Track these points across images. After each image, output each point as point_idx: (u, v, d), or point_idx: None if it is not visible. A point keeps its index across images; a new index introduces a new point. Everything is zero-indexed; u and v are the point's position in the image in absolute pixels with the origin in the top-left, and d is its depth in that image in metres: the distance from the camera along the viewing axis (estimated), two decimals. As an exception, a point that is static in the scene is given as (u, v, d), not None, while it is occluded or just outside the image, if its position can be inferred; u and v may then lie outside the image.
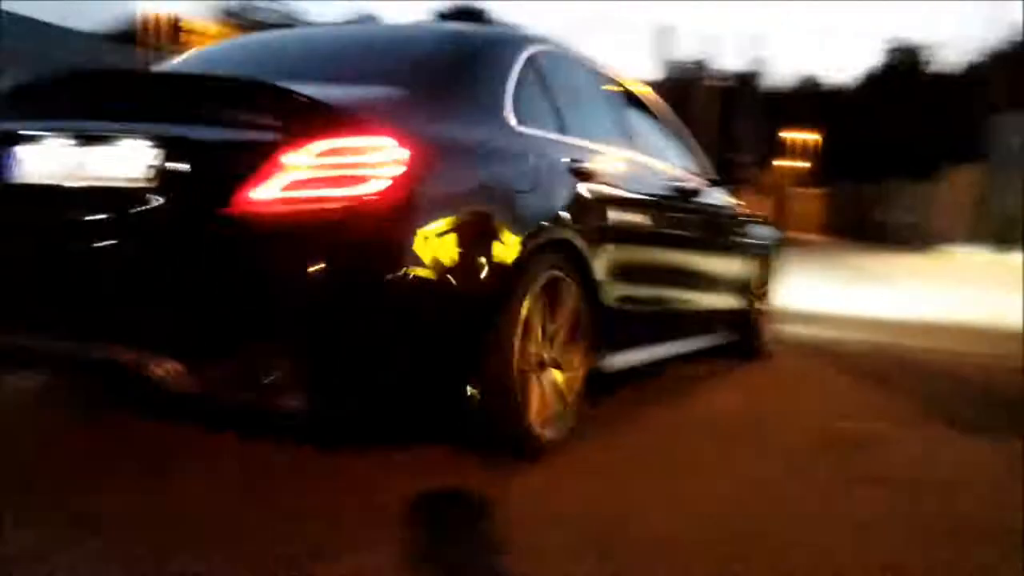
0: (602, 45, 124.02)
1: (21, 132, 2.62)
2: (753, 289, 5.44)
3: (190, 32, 39.01)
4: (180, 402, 2.65)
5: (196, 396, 2.51)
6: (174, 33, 43.03)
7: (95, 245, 2.49)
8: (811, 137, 53.39)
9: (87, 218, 2.52)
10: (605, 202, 3.43)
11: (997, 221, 20.90)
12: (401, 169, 2.40)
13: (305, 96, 2.42)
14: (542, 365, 3.00)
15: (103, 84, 2.79)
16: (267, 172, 2.31)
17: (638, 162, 4.03)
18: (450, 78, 3.04)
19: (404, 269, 2.43)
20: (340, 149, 2.37)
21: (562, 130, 3.42)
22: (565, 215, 3.11)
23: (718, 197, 4.98)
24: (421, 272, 2.46)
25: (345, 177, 2.35)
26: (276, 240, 2.34)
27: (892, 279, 14.00)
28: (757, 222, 5.69)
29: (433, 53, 3.30)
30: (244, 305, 2.39)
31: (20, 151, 2.59)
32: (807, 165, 49.82)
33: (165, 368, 2.36)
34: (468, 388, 2.71)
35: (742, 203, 5.45)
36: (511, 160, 2.98)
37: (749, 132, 33.30)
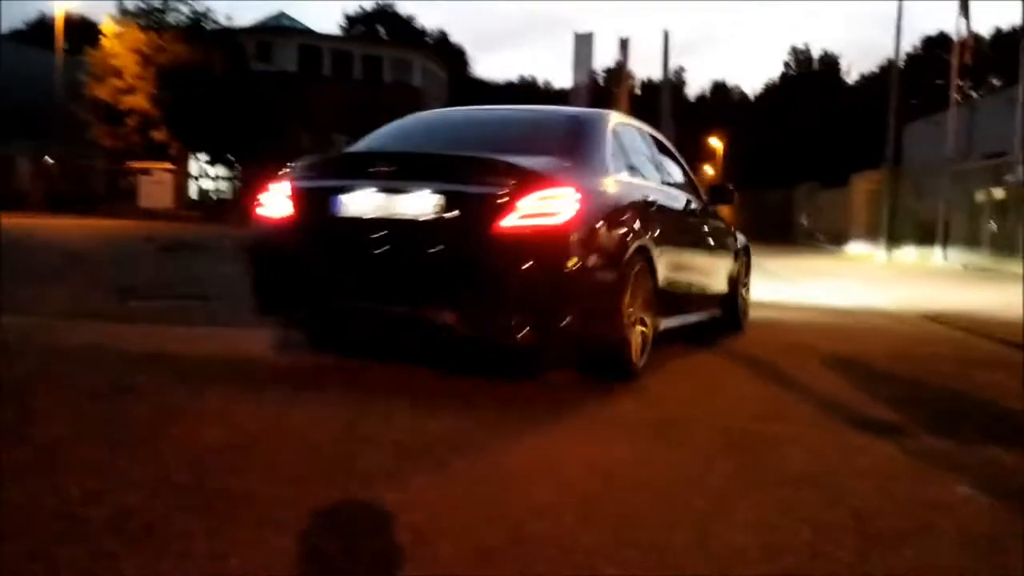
0: (528, 49, 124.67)
1: (347, 186, 4.52)
2: (739, 280, 7.36)
3: (100, 34, 37.79)
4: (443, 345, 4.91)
5: (465, 336, 4.36)
6: (84, 35, 41.64)
7: (399, 250, 4.33)
8: (722, 143, 54.53)
9: (392, 235, 4.34)
10: (658, 220, 5.26)
11: (904, 224, 21.69)
12: (577, 207, 4.25)
13: (526, 167, 4.32)
14: (635, 323, 4.81)
15: (395, 159, 4.68)
16: (510, 210, 4.16)
17: (670, 192, 6.02)
18: (578, 146, 4.99)
19: (579, 262, 4.26)
20: (547, 196, 4.22)
21: (632, 174, 5.33)
22: (644, 230, 4.92)
23: (712, 212, 6.90)
24: (587, 263, 4.30)
25: (550, 212, 4.20)
26: (515, 247, 4.16)
27: (794, 280, 14.40)
28: (735, 231, 7.62)
29: (561, 130, 5.41)
30: (495, 282, 4.20)
31: (345, 198, 4.50)
32: (720, 171, 50.79)
33: (450, 318, 4.26)
34: (606, 333, 4.54)
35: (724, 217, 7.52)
36: (616, 197, 4.83)
37: (668, 138, 33.84)
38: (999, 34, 62.97)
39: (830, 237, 29.23)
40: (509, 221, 4.16)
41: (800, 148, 60.35)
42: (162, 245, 16.08)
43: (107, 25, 37.16)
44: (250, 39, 42.41)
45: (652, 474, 3.24)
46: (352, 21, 73.76)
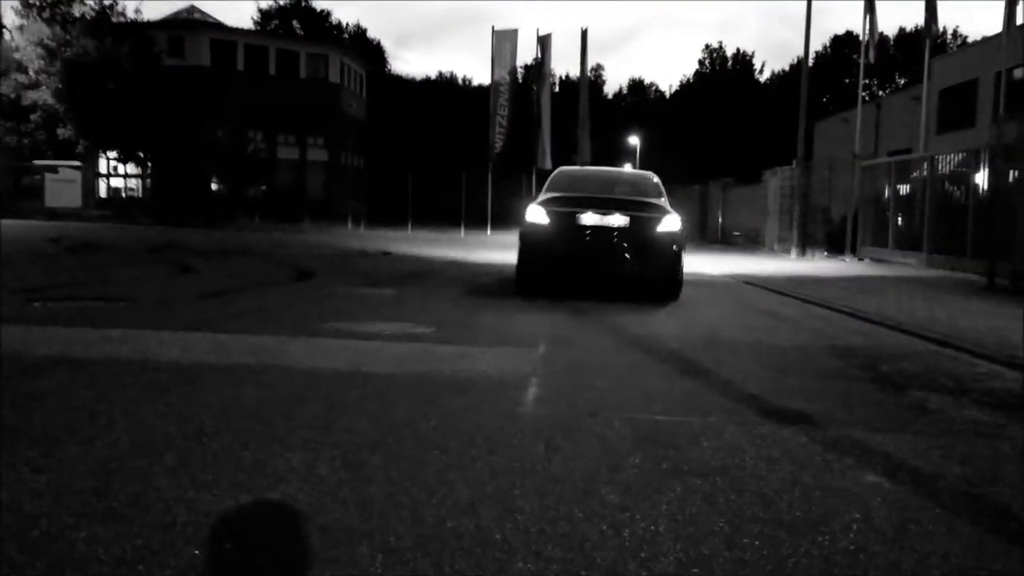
0: (448, 46, 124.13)
1: (581, 209, 9.67)
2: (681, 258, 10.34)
3: (1, 26, 36.25)
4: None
5: (638, 280, 10.19)
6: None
7: (613, 243, 9.54)
8: (640, 140, 55.27)
9: (610, 235, 9.55)
10: (674, 225, 9.79)
11: (815, 220, 22.29)
12: (680, 223, 9.80)
13: (662, 206, 10.00)
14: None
15: (603, 201, 9.90)
16: (659, 224, 9.60)
17: (669, 207, 10.19)
18: (661, 194, 10.69)
19: (681, 249, 9.84)
20: (672, 219, 9.70)
21: (665, 202, 10.41)
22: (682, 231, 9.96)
23: (675, 211, 10.12)
24: (684, 250, 10.01)
25: (674, 227, 9.76)
26: (663, 242, 9.61)
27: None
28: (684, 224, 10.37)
29: (651, 184, 11.06)
30: (655, 256, 9.63)
31: (582, 215, 9.63)
32: (637, 168, 51.48)
33: (633, 271, 9.82)
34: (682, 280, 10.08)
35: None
36: (677, 214, 9.88)
37: (585, 136, 34.06)
38: (903, 34, 65.35)
39: (746, 234, 29.91)
40: (660, 229, 9.60)
41: (715, 145, 61.61)
42: (69, 245, 15.52)
43: (9, 17, 35.71)
44: (160, 33, 41.26)
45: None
46: (266, 16, 72.29)
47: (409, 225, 36.86)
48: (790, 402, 4.59)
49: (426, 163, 57.32)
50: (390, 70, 75.41)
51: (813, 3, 22.02)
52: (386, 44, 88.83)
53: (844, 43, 67.46)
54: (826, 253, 21.16)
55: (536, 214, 9.63)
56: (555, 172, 11.51)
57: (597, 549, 2.47)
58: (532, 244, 9.71)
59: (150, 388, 4.33)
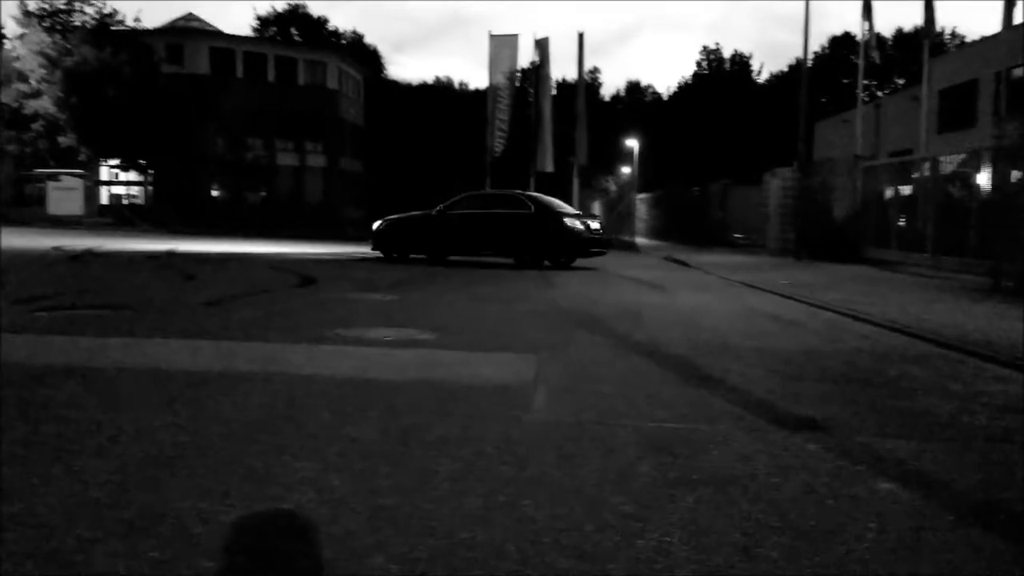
0: (444, 51, 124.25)
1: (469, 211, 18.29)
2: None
3: (1, 36, 36.29)
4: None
5: (511, 257, 17.90)
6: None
7: (497, 230, 17.81)
8: (638, 143, 55.27)
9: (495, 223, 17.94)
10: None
11: (815, 222, 22.26)
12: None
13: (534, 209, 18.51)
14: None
15: (483, 198, 19.55)
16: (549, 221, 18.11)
17: (591, 214, 24.37)
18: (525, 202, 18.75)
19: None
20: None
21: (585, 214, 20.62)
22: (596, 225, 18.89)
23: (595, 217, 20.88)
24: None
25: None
26: (563, 227, 17.67)
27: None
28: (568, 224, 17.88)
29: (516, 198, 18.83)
30: (534, 241, 17.55)
31: (464, 214, 18.19)
32: (636, 171, 51.44)
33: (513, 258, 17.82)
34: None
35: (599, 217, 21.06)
36: (585, 216, 19.64)
37: (582, 138, 34.08)
38: (901, 34, 65.44)
39: (747, 236, 29.89)
40: (545, 222, 17.72)
41: (714, 147, 61.67)
42: (71, 254, 15.52)
43: (10, 27, 35.78)
44: (159, 40, 41.31)
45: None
46: (264, 23, 72.42)
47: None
48: (799, 408, 4.57)
49: (424, 168, 57.39)
50: (387, 75, 75.53)
51: (811, 5, 22.04)
52: (382, 49, 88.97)
53: (842, 44, 67.56)
54: (827, 255, 21.14)
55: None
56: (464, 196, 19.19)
57: (611, 560, 2.46)
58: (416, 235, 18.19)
59: (157, 396, 4.32)
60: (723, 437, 3.88)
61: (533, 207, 17.67)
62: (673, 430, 3.99)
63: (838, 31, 75.23)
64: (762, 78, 73.38)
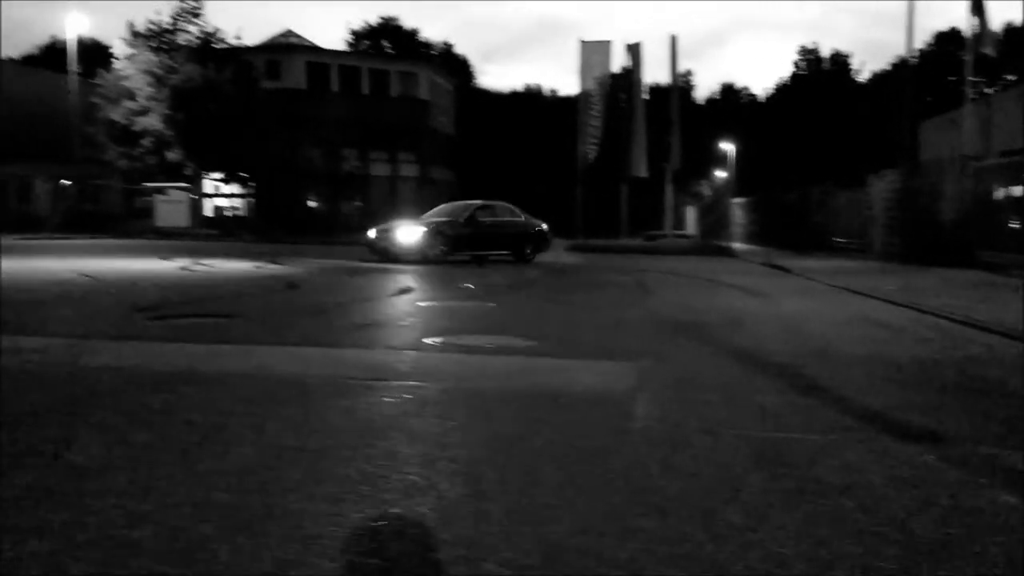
0: (534, 58, 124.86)
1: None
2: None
3: (112, 56, 38.10)
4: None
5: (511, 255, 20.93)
6: (96, 57, 41.93)
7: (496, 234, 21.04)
8: (733, 146, 54.34)
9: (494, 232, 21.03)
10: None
11: (923, 226, 21.48)
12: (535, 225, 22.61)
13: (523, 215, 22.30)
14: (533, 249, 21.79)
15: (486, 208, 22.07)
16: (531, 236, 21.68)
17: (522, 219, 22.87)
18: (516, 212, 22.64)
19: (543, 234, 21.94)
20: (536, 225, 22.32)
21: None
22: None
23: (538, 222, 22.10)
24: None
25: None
26: (533, 233, 21.57)
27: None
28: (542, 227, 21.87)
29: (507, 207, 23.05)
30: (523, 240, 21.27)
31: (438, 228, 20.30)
32: (732, 174, 50.62)
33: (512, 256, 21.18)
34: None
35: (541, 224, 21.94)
36: (524, 224, 21.92)
37: (676, 143, 33.76)
38: (1010, 29, 62.64)
39: (850, 240, 28.96)
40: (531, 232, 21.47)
41: (813, 149, 60.18)
42: (181, 264, 16.16)
43: (119, 47, 37.55)
44: (259, 57, 42.67)
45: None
46: (358, 36, 74.10)
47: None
48: (913, 418, 4.42)
49: (514, 176, 57.69)
50: (477, 84, 76.28)
51: (915, 1, 21.32)
52: (473, 59, 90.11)
53: (948, 40, 65.06)
54: (935, 259, 20.36)
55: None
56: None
57: (724, 572, 2.43)
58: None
59: (270, 402, 4.46)
60: (835, 447, 3.78)
61: (523, 216, 21.76)
62: (782, 440, 3.91)
63: (943, 27, 72.40)
64: (862, 77, 71.33)
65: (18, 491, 2.97)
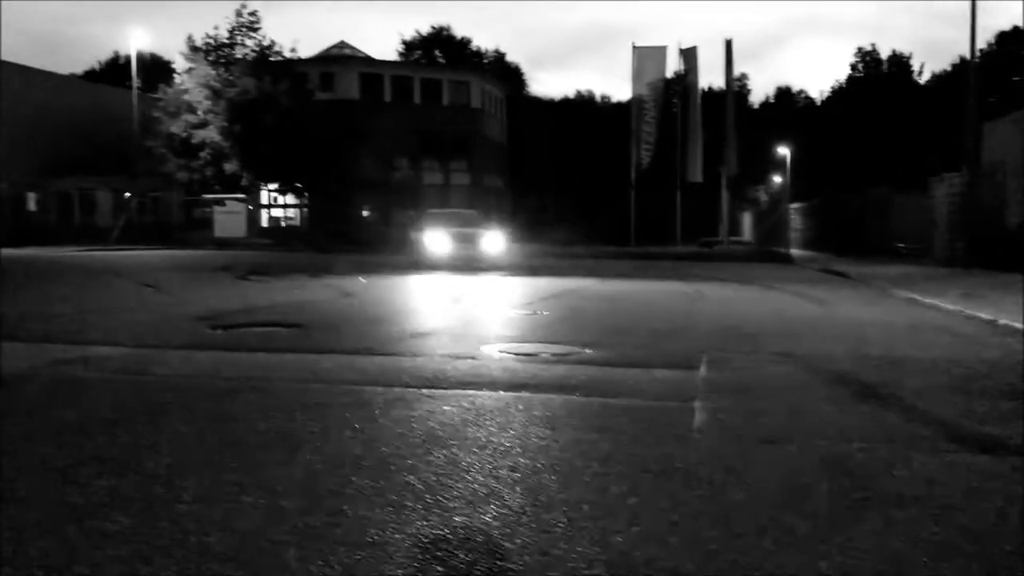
0: (583, 65, 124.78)
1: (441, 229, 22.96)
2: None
3: (172, 71, 39.02)
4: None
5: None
6: (157, 72, 42.98)
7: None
8: (790, 150, 53.51)
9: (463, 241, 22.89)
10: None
11: (989, 231, 20.94)
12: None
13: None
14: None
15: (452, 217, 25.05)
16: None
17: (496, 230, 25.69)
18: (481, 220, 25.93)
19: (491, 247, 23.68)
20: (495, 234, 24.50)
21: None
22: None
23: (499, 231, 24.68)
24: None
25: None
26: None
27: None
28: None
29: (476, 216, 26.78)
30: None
31: (438, 233, 22.80)
32: (787, 179, 49.87)
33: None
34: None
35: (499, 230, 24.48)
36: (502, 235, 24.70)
37: (731, 147, 33.42)
38: (1076, 26, 60.77)
39: (911, 245, 28.33)
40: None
41: (872, 152, 59.04)
42: (239, 274, 16.46)
43: (179, 62, 38.44)
44: (313, 69, 43.28)
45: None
46: (410, 46, 74.75)
47: (554, 244, 37.00)
48: (982, 427, 4.32)
49: (566, 182, 57.64)
50: (528, 92, 76.40)
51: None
52: (524, 67, 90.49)
53: (1012, 39, 63.38)
54: (1001, 264, 19.82)
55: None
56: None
57: (795, 581, 2.40)
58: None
59: (331, 410, 4.52)
60: (902, 457, 3.71)
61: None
62: (847, 449, 3.85)
63: (1006, 26, 70.56)
64: (923, 79, 69.75)
65: (95, 497, 3.05)
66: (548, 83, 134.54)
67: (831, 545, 2.66)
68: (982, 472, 3.50)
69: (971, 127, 21.11)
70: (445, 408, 4.62)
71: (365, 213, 45.71)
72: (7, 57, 39.03)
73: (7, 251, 23.29)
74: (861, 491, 3.22)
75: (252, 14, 37.84)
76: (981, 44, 65.54)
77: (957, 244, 21.88)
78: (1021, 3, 55.16)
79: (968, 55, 21.99)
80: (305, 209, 43.66)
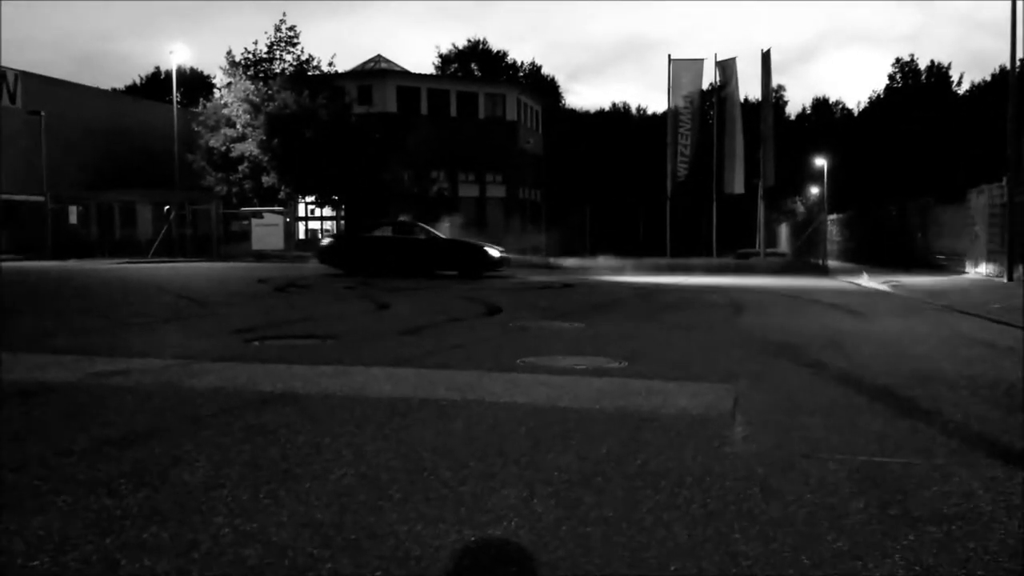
0: (620, 77, 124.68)
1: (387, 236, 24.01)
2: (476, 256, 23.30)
3: (211, 85, 39.60)
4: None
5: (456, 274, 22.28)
6: (196, 86, 43.66)
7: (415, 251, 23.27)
8: (827, 161, 52.98)
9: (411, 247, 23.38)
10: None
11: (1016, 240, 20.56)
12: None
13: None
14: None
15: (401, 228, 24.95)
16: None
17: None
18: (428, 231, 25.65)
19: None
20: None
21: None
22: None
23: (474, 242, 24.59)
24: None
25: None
26: (447, 249, 23.63)
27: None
28: (481, 244, 23.64)
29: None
30: (448, 259, 23.10)
31: (388, 238, 23.87)
32: (825, 190, 49.38)
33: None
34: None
35: (476, 241, 24.45)
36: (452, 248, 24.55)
37: (769, 159, 33.14)
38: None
39: (951, 257, 27.91)
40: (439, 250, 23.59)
41: (910, 163, 58.33)
42: (276, 286, 16.64)
43: (218, 77, 39.04)
44: (351, 83, 43.72)
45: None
46: (446, 60, 75.26)
47: (588, 256, 36.94)
48: (1021, 442, 4.24)
49: (603, 195, 57.57)
50: (564, 104, 76.50)
51: (1018, 5, 20.52)
52: (560, 79, 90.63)
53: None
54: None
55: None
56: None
57: (831, 599, 2.37)
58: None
59: (366, 422, 4.55)
60: (941, 472, 3.66)
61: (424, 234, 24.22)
62: (885, 464, 3.80)
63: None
64: (963, 89, 68.82)
65: (132, 510, 3.10)
66: (584, 95, 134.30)
67: (869, 562, 2.63)
68: (1021, 487, 3.44)
69: (1012, 137, 20.75)
70: (480, 420, 4.63)
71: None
72: (53, 73, 39.96)
73: (50, 263, 23.75)
74: (898, 507, 3.18)
75: (291, 29, 38.37)
76: (1020, 53, 64.83)
77: (997, 255, 21.50)
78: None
79: (1008, 64, 21.64)
80: (342, 221, 44.03)
